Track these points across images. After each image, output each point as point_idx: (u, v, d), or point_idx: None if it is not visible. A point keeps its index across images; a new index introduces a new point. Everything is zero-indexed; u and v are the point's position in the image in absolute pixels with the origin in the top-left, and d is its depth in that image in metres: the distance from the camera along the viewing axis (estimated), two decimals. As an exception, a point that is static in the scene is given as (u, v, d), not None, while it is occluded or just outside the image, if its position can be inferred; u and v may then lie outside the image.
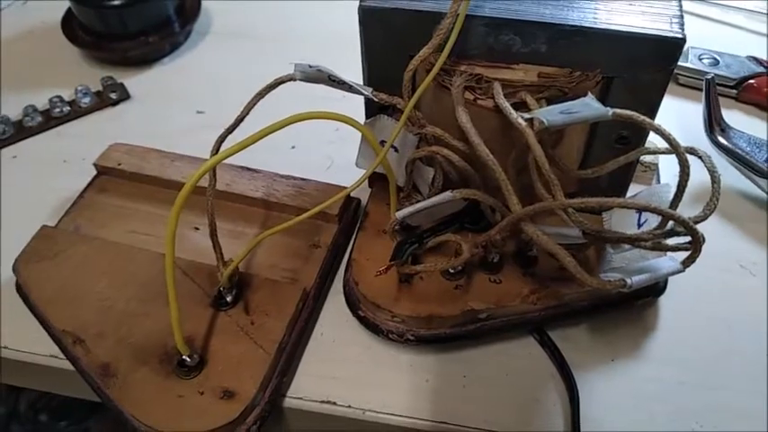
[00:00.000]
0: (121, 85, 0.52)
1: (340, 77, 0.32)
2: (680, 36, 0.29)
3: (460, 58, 0.32)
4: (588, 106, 0.28)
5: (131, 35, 0.53)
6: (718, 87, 0.48)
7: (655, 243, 0.29)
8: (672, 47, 0.29)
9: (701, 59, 0.49)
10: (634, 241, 0.29)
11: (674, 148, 0.27)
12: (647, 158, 0.41)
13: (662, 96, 0.32)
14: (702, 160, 0.30)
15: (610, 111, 0.27)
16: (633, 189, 0.37)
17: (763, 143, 0.41)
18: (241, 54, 0.56)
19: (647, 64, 0.30)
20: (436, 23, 0.30)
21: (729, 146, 0.41)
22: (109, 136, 0.46)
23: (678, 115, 0.47)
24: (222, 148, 0.34)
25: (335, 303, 0.38)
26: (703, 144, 0.43)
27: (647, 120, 0.28)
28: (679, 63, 0.48)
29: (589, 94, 0.29)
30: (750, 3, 0.57)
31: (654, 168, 0.41)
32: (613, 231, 0.30)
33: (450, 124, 0.32)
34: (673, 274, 0.29)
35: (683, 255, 0.30)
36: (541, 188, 0.30)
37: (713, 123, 0.41)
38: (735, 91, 0.48)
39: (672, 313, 0.37)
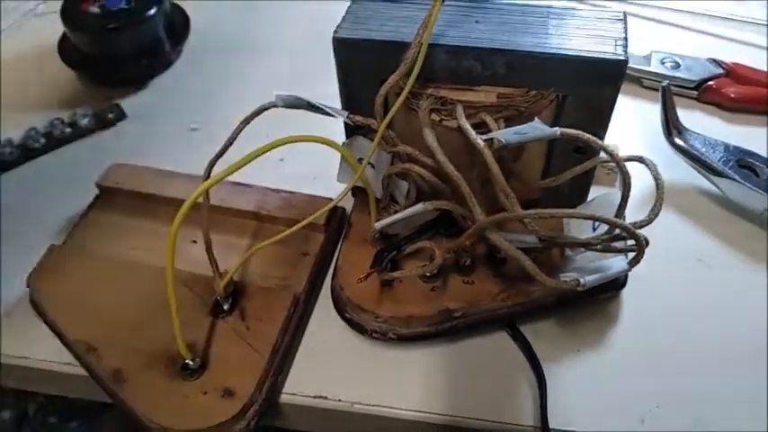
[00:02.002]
0: (118, 105, 0.55)
1: (317, 104, 0.35)
2: (622, 58, 0.32)
3: (427, 82, 0.35)
4: (536, 128, 0.31)
5: (125, 57, 0.56)
6: (679, 89, 0.52)
7: (605, 246, 0.32)
8: (616, 67, 0.33)
9: (663, 63, 0.52)
10: (585, 246, 0.32)
11: (616, 162, 0.31)
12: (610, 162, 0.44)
13: (611, 110, 0.35)
14: (648, 168, 0.33)
15: (558, 131, 0.31)
16: (595, 191, 0.40)
17: (718, 144, 0.44)
18: (232, 69, 0.59)
19: (595, 83, 0.33)
20: (403, 52, 0.33)
21: (686, 147, 0.44)
22: (108, 155, 0.49)
23: (642, 117, 0.50)
24: (214, 170, 0.37)
25: (325, 307, 0.41)
26: (663, 145, 0.46)
27: (591, 138, 0.31)
28: (642, 67, 0.52)
29: (536, 119, 0.32)
30: (711, 5, 0.60)
31: (617, 171, 0.44)
32: (566, 237, 0.33)
33: (420, 143, 0.35)
34: (621, 273, 0.32)
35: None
36: (504, 199, 0.33)
37: (670, 127, 0.44)
38: (695, 92, 0.51)
39: (634, 306, 0.40)
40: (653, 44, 0.54)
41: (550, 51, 0.33)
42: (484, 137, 0.32)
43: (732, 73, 0.51)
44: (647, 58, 0.53)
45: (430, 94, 0.35)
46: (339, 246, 0.42)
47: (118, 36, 0.55)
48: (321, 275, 0.42)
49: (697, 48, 0.55)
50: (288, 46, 0.60)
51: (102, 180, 0.47)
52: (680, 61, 0.52)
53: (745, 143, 0.46)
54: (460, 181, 0.33)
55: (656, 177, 0.32)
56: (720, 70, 0.51)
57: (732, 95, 0.50)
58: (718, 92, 0.50)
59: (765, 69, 0.52)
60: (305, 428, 0.40)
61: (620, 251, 0.33)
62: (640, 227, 0.31)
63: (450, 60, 0.34)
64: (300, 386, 0.38)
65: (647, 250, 0.42)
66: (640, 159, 0.34)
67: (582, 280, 0.31)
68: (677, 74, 0.51)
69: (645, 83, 0.53)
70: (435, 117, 0.34)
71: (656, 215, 0.32)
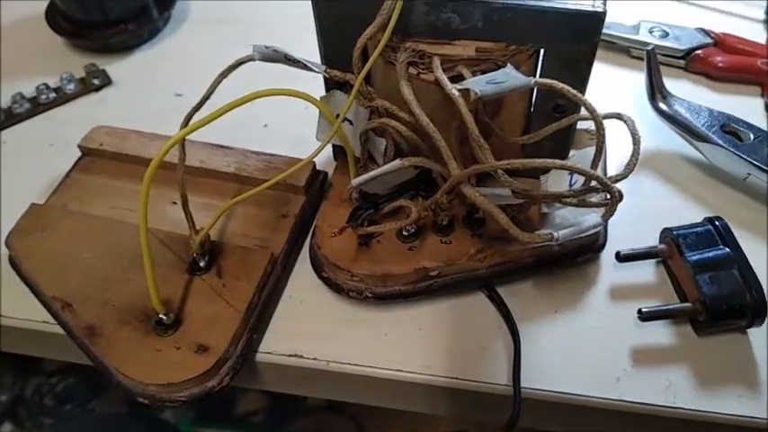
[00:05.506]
0: (103, 71, 0.55)
1: (294, 56, 0.34)
2: (600, 10, 0.32)
3: (407, 36, 0.35)
4: (509, 76, 0.30)
5: (111, 23, 0.56)
6: (667, 58, 0.51)
7: (579, 200, 0.32)
8: (594, 20, 0.32)
9: (651, 32, 0.52)
10: (558, 198, 0.32)
11: (590, 112, 0.30)
12: (593, 127, 0.44)
13: (590, 66, 0.34)
14: (626, 124, 0.33)
15: (532, 80, 0.30)
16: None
17: (702, 109, 0.44)
18: (219, 38, 0.58)
19: (573, 37, 0.33)
20: (381, 4, 0.33)
21: (670, 112, 0.43)
22: (92, 120, 0.49)
23: (629, 86, 0.50)
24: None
25: (305, 267, 0.41)
26: (649, 113, 0.46)
27: (566, 87, 0.31)
28: (630, 36, 0.52)
29: (509, 65, 0.32)
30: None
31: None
32: (540, 190, 0.33)
33: (398, 98, 0.35)
34: (595, 227, 0.32)
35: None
36: (478, 151, 0.33)
37: (655, 91, 0.44)
38: (683, 61, 0.51)
39: (612, 268, 0.40)
40: (643, 14, 0.54)
41: (528, 4, 0.32)
42: (458, 86, 0.31)
43: (720, 42, 0.51)
44: (636, 28, 0.52)
45: (408, 47, 0.34)
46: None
47: (103, 2, 0.55)
48: (301, 237, 0.42)
49: (687, 18, 0.54)
50: (278, 16, 0.59)
51: (84, 142, 0.46)
52: (668, 30, 0.52)
53: (731, 113, 0.45)
54: (435, 134, 0.32)
55: (633, 133, 0.32)
56: (709, 40, 0.51)
57: (719, 64, 0.49)
58: (705, 61, 0.50)
59: (754, 39, 0.51)
60: (281, 389, 0.40)
61: (594, 206, 0.33)
62: (615, 181, 0.31)
63: (429, 13, 0.34)
64: (276, 345, 0.38)
65: (628, 214, 0.42)
66: (618, 116, 0.33)
67: (555, 234, 0.31)
68: (665, 43, 0.51)
69: (633, 52, 0.52)
70: (413, 71, 0.34)
71: (632, 170, 0.32)
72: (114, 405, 0.86)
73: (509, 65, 0.32)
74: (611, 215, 0.32)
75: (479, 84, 0.31)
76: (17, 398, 0.87)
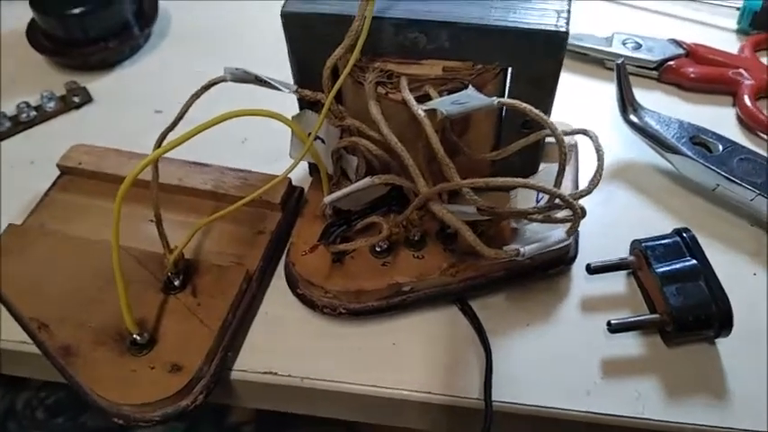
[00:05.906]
0: (84, 88, 0.55)
1: (264, 77, 0.35)
2: (563, 30, 0.32)
3: (375, 56, 0.35)
4: (472, 96, 0.31)
5: (92, 41, 0.56)
6: (640, 70, 0.52)
7: (545, 216, 0.33)
8: (557, 39, 0.33)
9: (624, 44, 0.52)
10: (524, 215, 0.33)
11: (552, 130, 0.31)
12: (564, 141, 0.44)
13: (555, 83, 0.35)
14: (591, 139, 0.34)
15: (495, 100, 0.31)
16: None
17: (672, 121, 0.44)
18: (199, 54, 0.58)
19: (537, 55, 0.33)
20: (350, 25, 0.33)
21: (641, 124, 0.44)
22: (73, 138, 0.49)
23: (602, 97, 0.50)
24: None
25: (280, 284, 0.41)
26: (621, 124, 0.46)
27: (528, 106, 0.31)
28: (604, 48, 0.52)
29: (471, 87, 0.32)
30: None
31: (572, 150, 0.44)
32: (506, 207, 0.33)
33: (368, 117, 0.35)
34: (559, 242, 0.32)
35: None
36: (447, 172, 0.33)
37: (626, 104, 0.45)
38: (656, 72, 0.51)
39: (583, 280, 0.40)
40: (616, 26, 0.55)
41: (492, 23, 0.33)
42: (424, 107, 0.32)
43: (692, 53, 0.51)
44: (609, 40, 0.53)
45: (377, 67, 0.35)
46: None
47: (84, 20, 0.55)
48: (277, 253, 0.42)
49: (660, 29, 0.55)
50: (259, 32, 0.60)
51: (62, 161, 0.47)
52: (641, 42, 0.52)
53: (703, 123, 0.46)
54: (404, 152, 0.33)
55: (597, 149, 0.33)
56: (681, 50, 0.52)
57: (691, 75, 0.50)
58: (677, 72, 0.51)
59: (726, 50, 0.52)
60: (257, 406, 0.40)
61: (561, 221, 0.33)
62: (579, 197, 0.32)
63: (397, 33, 0.34)
64: (251, 362, 0.38)
65: (600, 226, 0.42)
66: (584, 132, 0.34)
67: (522, 249, 0.32)
68: (638, 54, 0.52)
69: (607, 64, 0.53)
70: (381, 90, 0.35)
71: (596, 185, 0.32)
72: (104, 420, 0.86)
73: (470, 86, 0.32)
74: (575, 231, 0.32)
75: (444, 104, 0.31)
76: (8, 411, 0.86)
